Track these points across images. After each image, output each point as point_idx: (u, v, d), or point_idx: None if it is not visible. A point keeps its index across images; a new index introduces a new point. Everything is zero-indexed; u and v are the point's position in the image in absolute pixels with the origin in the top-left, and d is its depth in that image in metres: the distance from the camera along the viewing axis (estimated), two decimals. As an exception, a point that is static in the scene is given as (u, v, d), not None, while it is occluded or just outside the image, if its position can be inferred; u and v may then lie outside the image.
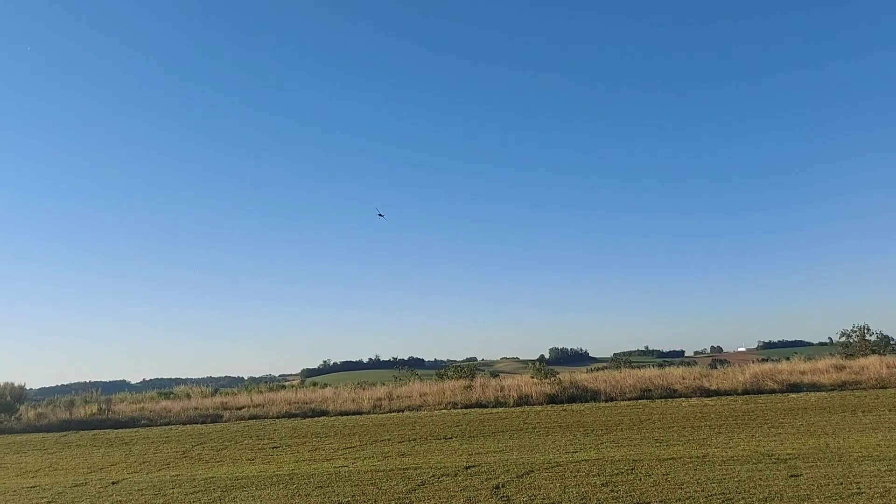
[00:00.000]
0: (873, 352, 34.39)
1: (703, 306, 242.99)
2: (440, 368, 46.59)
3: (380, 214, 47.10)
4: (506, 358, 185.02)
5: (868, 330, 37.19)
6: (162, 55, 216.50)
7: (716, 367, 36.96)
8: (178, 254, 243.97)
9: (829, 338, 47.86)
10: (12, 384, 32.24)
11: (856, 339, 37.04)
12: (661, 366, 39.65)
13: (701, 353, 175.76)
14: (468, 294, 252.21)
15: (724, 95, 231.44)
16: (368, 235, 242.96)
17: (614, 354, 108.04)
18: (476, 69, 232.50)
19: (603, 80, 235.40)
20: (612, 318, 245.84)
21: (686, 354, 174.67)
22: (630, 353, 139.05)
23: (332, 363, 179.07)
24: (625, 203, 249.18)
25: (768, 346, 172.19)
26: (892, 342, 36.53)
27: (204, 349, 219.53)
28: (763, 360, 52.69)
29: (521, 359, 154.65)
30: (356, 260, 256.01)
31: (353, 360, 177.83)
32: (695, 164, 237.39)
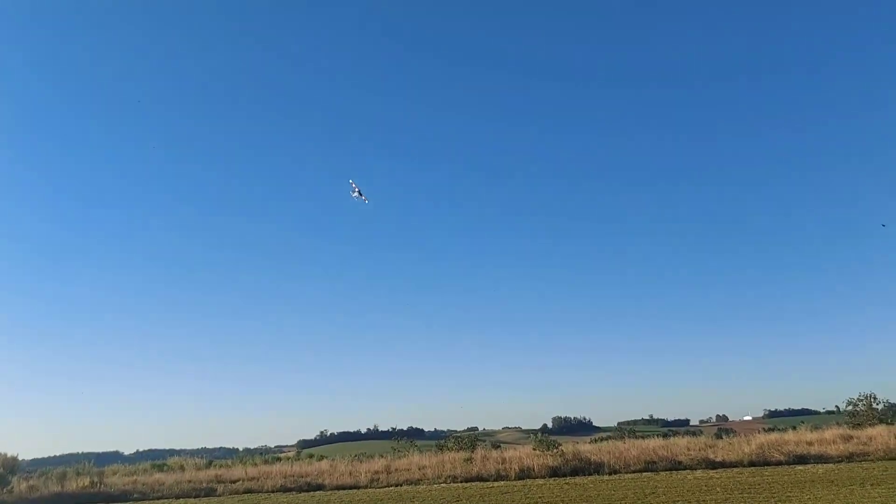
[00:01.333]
0: (881, 421, 33.90)
1: (709, 374, 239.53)
2: (440, 439, 45.74)
3: (359, 194, 39.67)
4: (507, 428, 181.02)
5: (875, 398, 36.78)
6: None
7: (721, 437, 36.39)
8: (174, 323, 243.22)
9: (837, 406, 47.36)
10: (5, 455, 31.73)
11: (863, 408, 36.57)
12: (665, 436, 39.04)
13: (706, 421, 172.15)
14: (469, 362, 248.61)
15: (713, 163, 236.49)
16: (367, 302, 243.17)
17: (618, 423, 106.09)
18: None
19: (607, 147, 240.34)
20: (616, 385, 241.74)
21: (691, 423, 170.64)
22: (634, 422, 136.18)
23: (328, 433, 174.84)
24: (629, 270, 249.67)
25: (774, 414, 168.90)
26: None
27: (199, 419, 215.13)
28: (769, 429, 51.76)
29: (523, 428, 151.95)
30: (353, 328, 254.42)
31: (351, 431, 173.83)
32: (705, 231, 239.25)
